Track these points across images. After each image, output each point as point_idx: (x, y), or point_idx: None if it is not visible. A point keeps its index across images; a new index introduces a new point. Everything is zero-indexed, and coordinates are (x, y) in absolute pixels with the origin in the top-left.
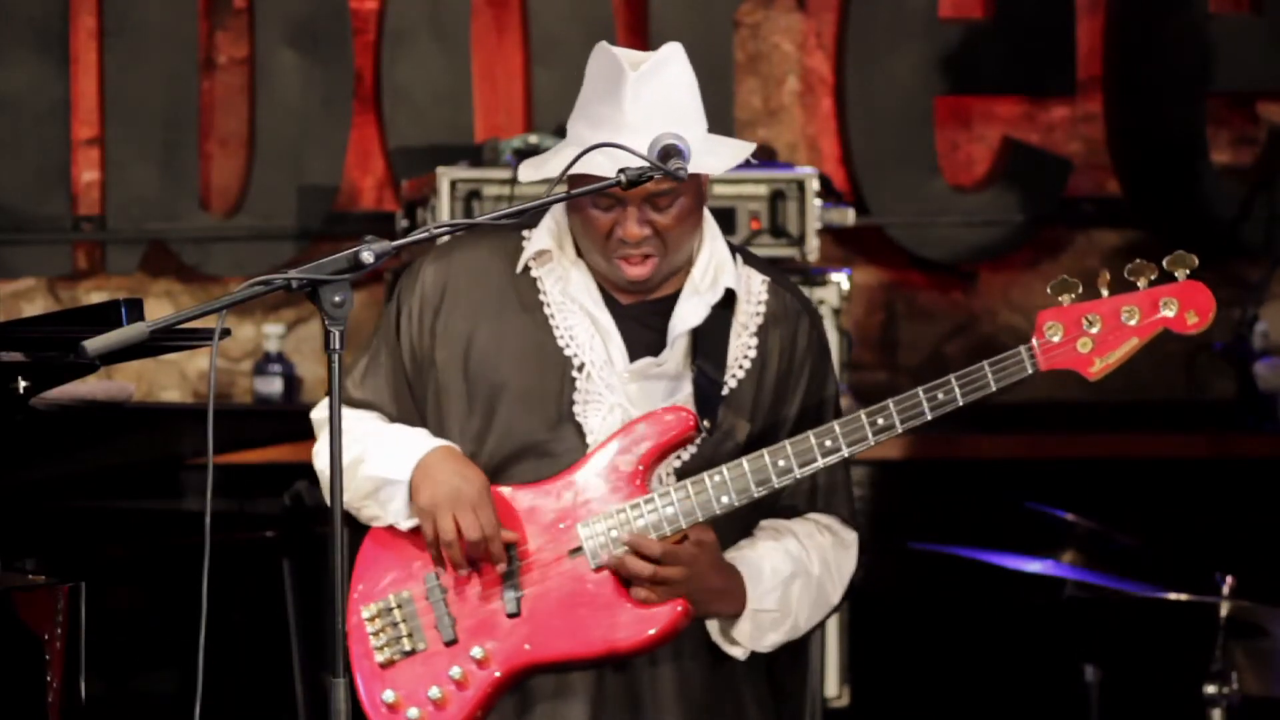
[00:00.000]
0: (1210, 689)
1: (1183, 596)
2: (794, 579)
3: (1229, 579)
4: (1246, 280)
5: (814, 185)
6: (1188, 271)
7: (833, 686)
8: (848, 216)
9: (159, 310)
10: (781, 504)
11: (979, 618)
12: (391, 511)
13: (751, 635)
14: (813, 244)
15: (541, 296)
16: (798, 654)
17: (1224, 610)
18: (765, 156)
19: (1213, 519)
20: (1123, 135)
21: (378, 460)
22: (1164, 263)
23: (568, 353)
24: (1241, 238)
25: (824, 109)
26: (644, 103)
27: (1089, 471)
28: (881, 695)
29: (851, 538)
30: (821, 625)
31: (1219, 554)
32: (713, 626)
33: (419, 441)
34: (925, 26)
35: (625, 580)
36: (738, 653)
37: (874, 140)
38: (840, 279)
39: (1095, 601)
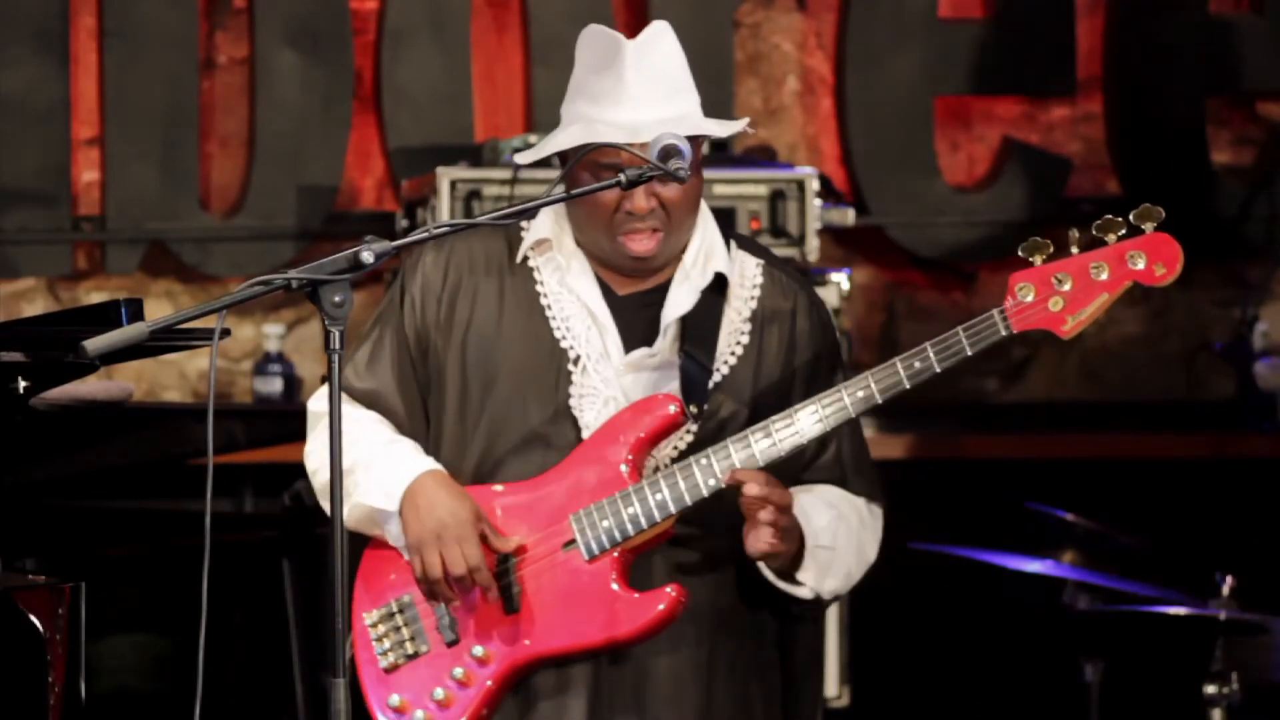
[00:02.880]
0: (1210, 689)
1: (1181, 611)
2: (837, 522)
3: (1229, 579)
4: (1247, 280)
5: (814, 185)
6: (1154, 224)
7: (833, 686)
8: (848, 216)
9: (159, 310)
10: (804, 478)
11: (979, 618)
12: (393, 536)
13: (817, 577)
14: (813, 244)
15: (539, 287)
16: (815, 644)
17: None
18: (765, 156)
19: (1213, 519)
20: (1123, 135)
21: (367, 489)
22: (1130, 216)
23: (564, 345)
24: (1242, 237)
25: (824, 109)
26: (645, 72)
27: (1089, 471)
28: (881, 695)
29: (878, 511)
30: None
31: (1219, 554)
32: (771, 573)
33: (406, 467)
34: (925, 26)
35: (622, 569)
36: (804, 593)
37: (874, 140)
38: (840, 279)
39: (1095, 600)
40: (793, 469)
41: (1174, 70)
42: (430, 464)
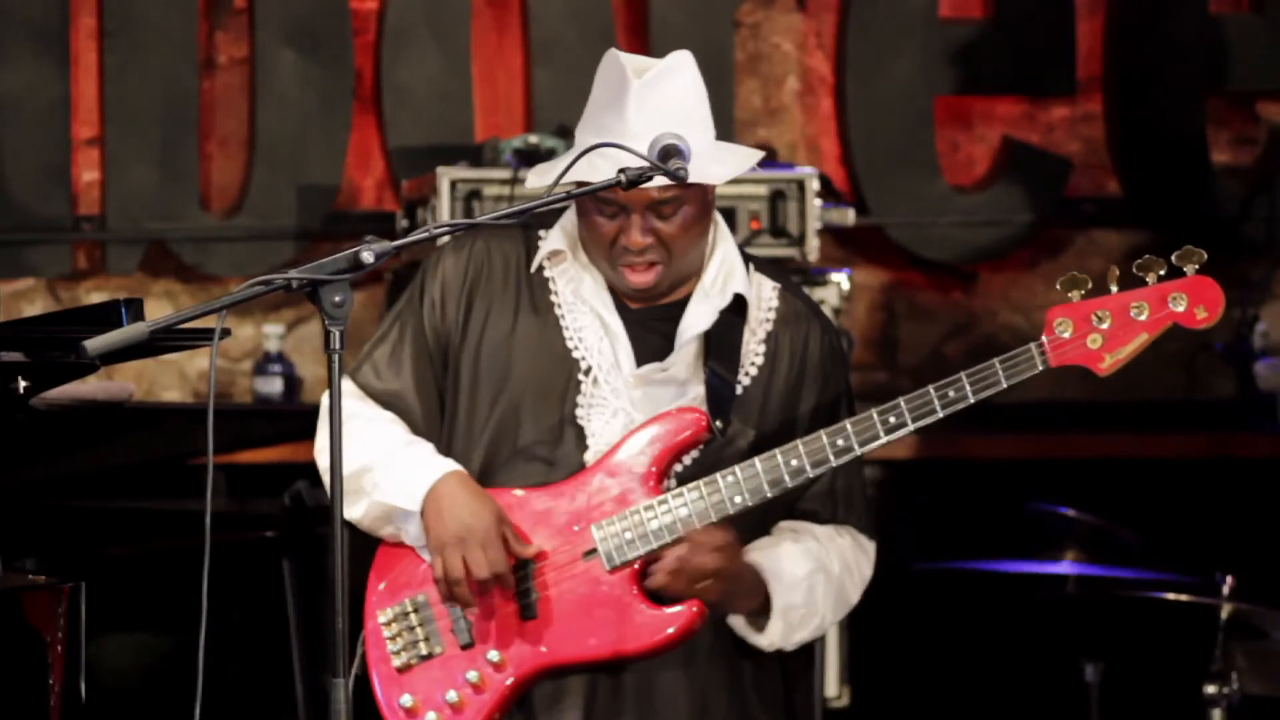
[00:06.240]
0: (1210, 689)
1: (1183, 597)
2: (815, 575)
3: (1229, 579)
4: (1247, 280)
5: (814, 185)
6: (1196, 266)
7: (833, 686)
8: (848, 216)
9: (159, 310)
10: (798, 509)
11: (979, 617)
12: (410, 536)
13: (783, 634)
14: (813, 244)
15: (553, 297)
16: (808, 657)
17: (1224, 611)
18: (765, 157)
19: (1213, 519)
20: (1123, 135)
21: (388, 488)
22: (1173, 258)
23: (575, 355)
24: (1242, 237)
25: (824, 109)
26: (648, 111)
27: (1089, 471)
28: (881, 695)
29: (869, 546)
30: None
31: (1219, 554)
32: (738, 622)
33: (428, 467)
34: (925, 26)
35: (641, 582)
36: (764, 643)
37: (874, 140)
38: (840, 279)
39: (1096, 599)
40: (789, 497)
41: (1174, 70)
42: (452, 465)
